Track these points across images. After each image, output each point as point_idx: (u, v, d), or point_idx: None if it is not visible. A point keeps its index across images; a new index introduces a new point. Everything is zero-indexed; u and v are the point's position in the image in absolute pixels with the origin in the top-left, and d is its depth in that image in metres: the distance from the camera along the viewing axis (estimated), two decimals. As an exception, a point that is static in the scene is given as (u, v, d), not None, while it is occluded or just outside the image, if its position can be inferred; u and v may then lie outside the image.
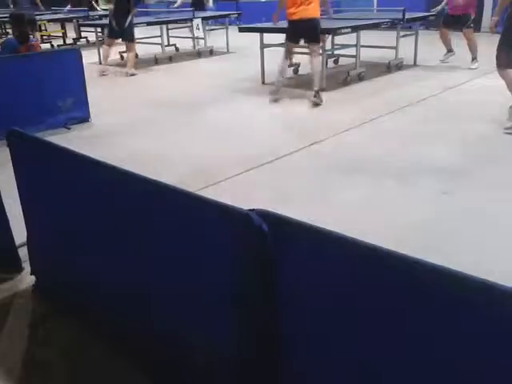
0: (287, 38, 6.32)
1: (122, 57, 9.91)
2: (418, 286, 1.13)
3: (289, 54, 6.58)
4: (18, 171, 2.40)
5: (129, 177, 1.77)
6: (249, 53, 9.36)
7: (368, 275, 1.21)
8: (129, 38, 8.36)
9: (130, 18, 8.18)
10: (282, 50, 7.81)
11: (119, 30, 8.23)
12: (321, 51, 6.44)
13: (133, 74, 8.31)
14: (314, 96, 6.00)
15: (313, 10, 5.89)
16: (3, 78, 4.88)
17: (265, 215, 1.36)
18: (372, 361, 1.27)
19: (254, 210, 1.39)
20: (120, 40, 8.58)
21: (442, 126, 5.11)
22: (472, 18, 7.50)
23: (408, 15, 7.74)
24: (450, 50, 8.09)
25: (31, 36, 6.20)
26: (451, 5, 7.59)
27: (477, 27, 11.96)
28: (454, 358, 1.11)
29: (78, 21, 11.97)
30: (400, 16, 7.63)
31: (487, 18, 12.07)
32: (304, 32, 6.06)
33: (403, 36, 8.06)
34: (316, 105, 6.00)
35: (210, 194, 1.60)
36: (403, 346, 1.19)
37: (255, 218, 1.34)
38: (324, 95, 6.61)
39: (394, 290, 1.17)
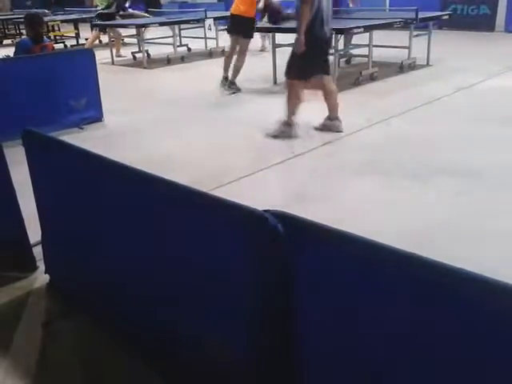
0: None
1: (134, 57, 9.96)
2: (434, 287, 1.12)
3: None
4: (33, 170, 2.42)
5: (142, 177, 1.77)
6: (260, 53, 9.36)
7: (384, 276, 1.20)
8: None
9: None
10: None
11: None
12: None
13: None
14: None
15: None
16: (17, 78, 4.92)
17: (280, 216, 1.36)
18: (388, 361, 1.26)
19: (269, 210, 1.39)
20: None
21: (455, 126, 5.07)
22: None
23: (421, 15, 7.69)
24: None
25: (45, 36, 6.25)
26: None
27: (491, 26, 11.92)
28: (466, 360, 1.11)
29: (91, 21, 12.05)
30: (413, 15, 7.58)
31: (501, 17, 12.00)
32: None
33: (416, 36, 8.00)
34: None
35: (223, 194, 1.60)
36: (420, 347, 1.18)
37: (270, 219, 1.34)
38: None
39: (411, 292, 1.16)
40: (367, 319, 1.25)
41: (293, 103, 4.89)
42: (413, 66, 7.98)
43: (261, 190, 3.65)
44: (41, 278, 2.67)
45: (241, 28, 6.70)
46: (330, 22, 4.92)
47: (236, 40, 6.84)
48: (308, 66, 4.81)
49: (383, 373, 1.28)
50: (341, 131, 4.98)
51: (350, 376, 1.36)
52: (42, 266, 2.69)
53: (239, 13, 6.63)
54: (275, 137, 4.89)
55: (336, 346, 1.35)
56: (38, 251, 2.72)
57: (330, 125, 5.03)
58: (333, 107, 5.01)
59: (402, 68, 7.84)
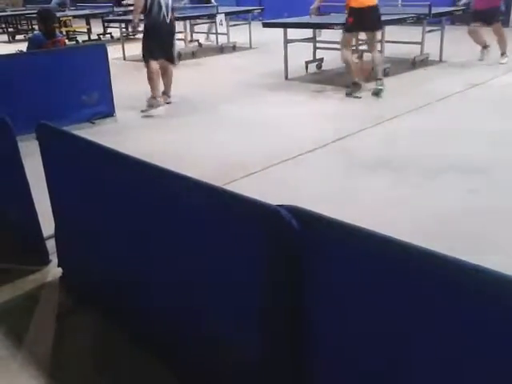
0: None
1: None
2: (447, 282, 1.10)
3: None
4: (46, 164, 2.44)
5: (156, 171, 1.77)
6: (271, 48, 9.33)
7: (398, 272, 1.19)
8: None
9: None
10: (305, 44, 7.76)
11: None
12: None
13: None
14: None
15: None
16: (30, 73, 4.96)
17: (294, 211, 1.34)
18: (401, 360, 1.25)
19: (283, 205, 1.38)
20: None
21: (469, 122, 5.02)
22: (500, 11, 7.32)
23: (434, 10, 7.61)
24: (485, 47, 7.76)
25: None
26: None
27: (506, 22, 11.76)
28: (483, 359, 1.09)
29: (102, 17, 12.09)
30: (426, 11, 7.51)
31: (516, 13, 11.84)
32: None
33: (429, 31, 7.92)
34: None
35: (236, 189, 1.59)
36: (434, 345, 1.17)
37: (285, 214, 1.33)
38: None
39: (424, 287, 1.15)
40: (383, 319, 1.24)
41: (151, 80, 5.82)
42: (425, 62, 7.91)
43: (273, 186, 3.64)
44: (53, 271, 2.69)
45: (377, 20, 6.07)
46: (171, 10, 5.79)
47: (357, 36, 6.53)
48: (148, 49, 5.78)
49: (396, 374, 1.27)
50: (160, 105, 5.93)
51: (362, 377, 1.35)
52: (54, 259, 2.71)
53: (373, 3, 5.88)
54: (146, 111, 5.82)
55: (349, 347, 1.34)
56: (50, 245, 2.73)
57: (154, 102, 5.92)
58: (168, 86, 6.16)
59: (414, 64, 7.77)
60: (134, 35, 9.60)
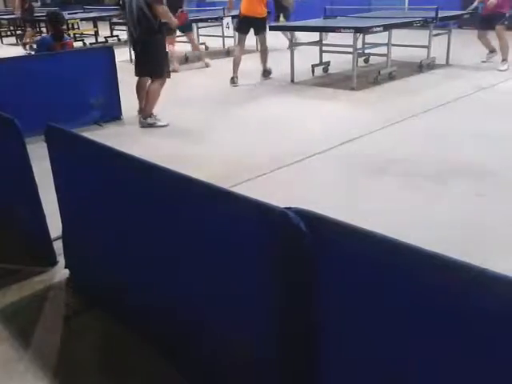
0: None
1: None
2: (459, 288, 1.10)
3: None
4: (54, 165, 2.45)
5: (163, 173, 1.78)
6: (278, 51, 9.34)
7: (408, 276, 1.19)
8: (190, 30, 8.94)
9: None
10: (311, 48, 7.78)
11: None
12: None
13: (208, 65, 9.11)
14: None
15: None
16: (38, 75, 4.98)
17: (302, 214, 1.34)
18: (413, 361, 1.25)
19: (291, 208, 1.38)
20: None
21: (476, 126, 5.00)
22: (506, 16, 7.30)
23: (441, 14, 7.60)
24: (492, 51, 7.78)
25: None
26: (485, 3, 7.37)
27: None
28: (483, 358, 1.09)
29: (110, 19, 12.17)
30: (433, 15, 7.50)
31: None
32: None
33: (436, 35, 7.91)
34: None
35: (242, 191, 1.58)
36: (444, 348, 1.17)
37: (293, 217, 1.33)
38: (354, 94, 6.57)
39: (436, 291, 1.15)
40: (391, 320, 1.24)
41: (139, 97, 5.67)
42: (432, 66, 7.90)
43: (280, 188, 3.64)
44: (61, 272, 2.70)
45: (261, 26, 7.24)
46: (137, 22, 5.18)
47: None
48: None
49: (406, 374, 1.27)
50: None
51: (372, 376, 1.35)
52: (62, 260, 2.72)
53: (260, 16, 7.07)
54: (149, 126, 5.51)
55: (358, 347, 1.34)
56: (58, 246, 2.75)
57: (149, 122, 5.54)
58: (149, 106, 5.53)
59: (421, 67, 7.76)
60: None
